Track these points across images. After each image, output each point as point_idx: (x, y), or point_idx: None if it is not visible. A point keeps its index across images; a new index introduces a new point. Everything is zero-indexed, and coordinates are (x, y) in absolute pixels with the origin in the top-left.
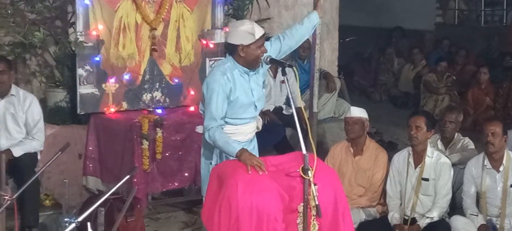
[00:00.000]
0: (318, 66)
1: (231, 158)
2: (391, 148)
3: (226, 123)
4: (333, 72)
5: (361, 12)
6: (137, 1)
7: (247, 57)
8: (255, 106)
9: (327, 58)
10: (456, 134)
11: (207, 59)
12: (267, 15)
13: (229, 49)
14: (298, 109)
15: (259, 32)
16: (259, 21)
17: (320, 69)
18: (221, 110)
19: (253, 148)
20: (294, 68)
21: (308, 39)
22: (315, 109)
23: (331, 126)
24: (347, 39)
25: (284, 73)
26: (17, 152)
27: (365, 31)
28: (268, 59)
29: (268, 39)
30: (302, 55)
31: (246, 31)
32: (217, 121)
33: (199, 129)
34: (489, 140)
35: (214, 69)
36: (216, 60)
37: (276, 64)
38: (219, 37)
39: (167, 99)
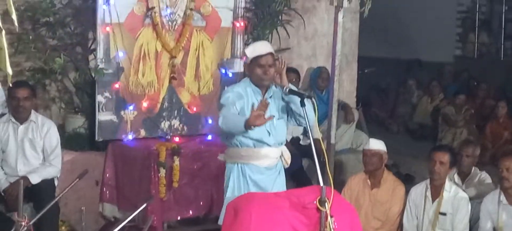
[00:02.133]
0: (337, 97)
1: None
2: (408, 181)
3: (240, 142)
4: (351, 103)
5: (380, 43)
6: (157, 29)
7: (250, 75)
8: (268, 132)
9: (345, 89)
10: (473, 168)
11: (226, 88)
12: (287, 45)
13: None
14: (316, 141)
15: (256, 50)
16: (278, 51)
17: (339, 100)
18: (234, 105)
19: (276, 177)
20: (313, 99)
21: (326, 69)
22: (332, 141)
23: (349, 157)
24: (367, 71)
25: (302, 104)
26: (34, 179)
27: (383, 63)
28: (287, 90)
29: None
30: (320, 86)
31: (250, 48)
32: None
33: (221, 157)
34: (504, 175)
35: (228, 88)
36: None
37: (295, 95)
38: (238, 66)
39: (185, 128)
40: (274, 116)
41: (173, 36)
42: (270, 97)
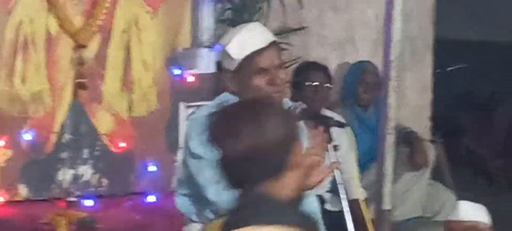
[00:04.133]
0: (395, 119)
1: None
2: None
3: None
4: (423, 132)
5: (475, 18)
6: None
7: (241, 90)
8: None
9: (411, 104)
10: None
11: (182, 104)
12: (298, 21)
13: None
14: (355, 204)
15: (247, 44)
16: (282, 34)
17: (399, 126)
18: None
19: None
20: (349, 127)
21: (374, 66)
22: (387, 205)
23: None
24: (451, 68)
25: (328, 140)
26: None
27: (483, 51)
28: (298, 110)
29: None
30: (363, 98)
31: (233, 40)
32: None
33: None
34: None
35: (196, 113)
36: (198, 107)
37: (313, 121)
38: (206, 62)
39: (105, 181)
40: (340, 163)
41: (80, 6)
42: None
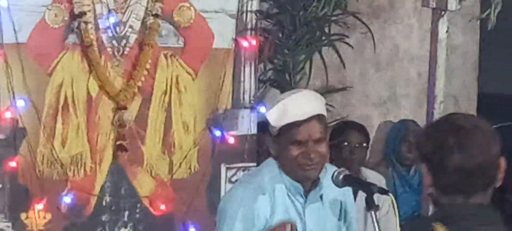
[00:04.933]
0: None
1: None
2: None
3: None
4: None
5: None
6: (91, 54)
7: (279, 157)
8: None
9: None
10: None
11: (223, 166)
12: (341, 80)
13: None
14: None
15: (286, 113)
16: (324, 93)
17: None
18: None
19: None
20: (391, 195)
21: (417, 125)
22: None
23: None
24: (498, 126)
25: (370, 207)
26: None
27: None
28: (341, 177)
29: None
30: (406, 158)
31: (275, 107)
32: None
33: None
34: None
35: (241, 181)
36: (239, 169)
37: (355, 188)
38: (247, 124)
39: None
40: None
41: (121, 68)
42: (316, 200)
